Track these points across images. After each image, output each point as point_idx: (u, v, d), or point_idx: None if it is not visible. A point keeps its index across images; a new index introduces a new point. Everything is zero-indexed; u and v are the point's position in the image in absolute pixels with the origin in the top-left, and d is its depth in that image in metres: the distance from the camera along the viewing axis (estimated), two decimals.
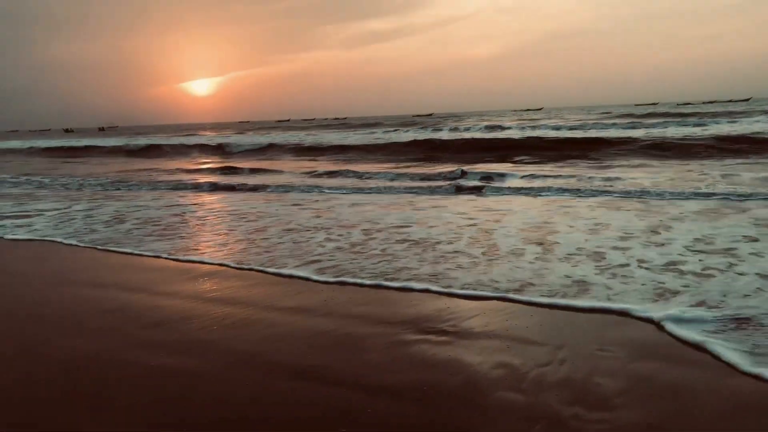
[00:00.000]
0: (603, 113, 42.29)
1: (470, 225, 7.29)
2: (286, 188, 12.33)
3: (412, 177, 13.29)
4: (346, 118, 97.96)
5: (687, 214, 7.27)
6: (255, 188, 12.67)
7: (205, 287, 5.00)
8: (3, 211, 10.10)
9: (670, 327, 3.61)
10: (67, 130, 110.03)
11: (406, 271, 5.19)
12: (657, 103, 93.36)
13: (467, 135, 24.92)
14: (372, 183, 12.52)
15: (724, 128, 20.98)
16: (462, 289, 4.61)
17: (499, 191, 10.30)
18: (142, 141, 36.36)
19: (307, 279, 5.10)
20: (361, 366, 3.29)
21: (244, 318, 4.16)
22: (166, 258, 6.12)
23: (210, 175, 16.22)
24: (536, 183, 11.16)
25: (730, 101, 75.34)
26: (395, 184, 12.15)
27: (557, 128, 26.30)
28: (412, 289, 4.66)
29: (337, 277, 5.10)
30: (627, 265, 5.06)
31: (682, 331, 3.54)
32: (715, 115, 31.15)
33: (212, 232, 7.56)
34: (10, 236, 7.72)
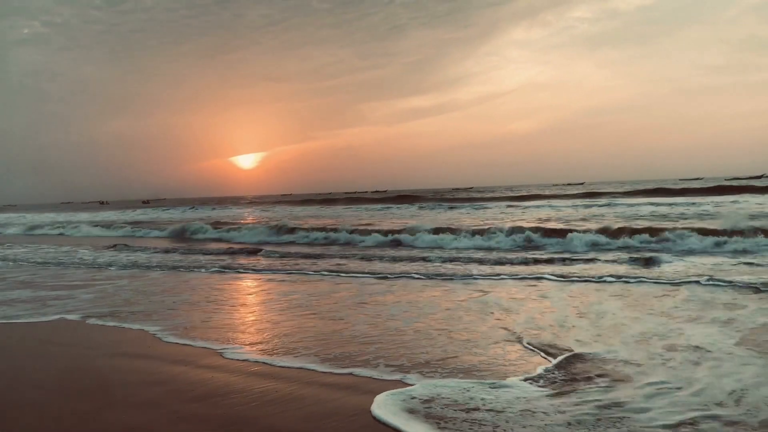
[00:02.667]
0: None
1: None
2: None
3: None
4: (386, 191, 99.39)
5: None
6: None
7: (247, 360, 5.04)
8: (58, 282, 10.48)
9: None
10: (102, 203, 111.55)
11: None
12: (702, 178, 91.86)
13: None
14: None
15: None
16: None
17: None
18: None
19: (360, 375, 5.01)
20: None
21: (287, 394, 4.15)
22: (217, 333, 6.22)
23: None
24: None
25: None
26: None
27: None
28: None
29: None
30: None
31: None
32: None
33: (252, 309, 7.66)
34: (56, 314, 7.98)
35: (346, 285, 9.14)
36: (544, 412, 3.56)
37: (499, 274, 9.45)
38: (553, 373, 4.37)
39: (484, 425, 3.40)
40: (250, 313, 7.16)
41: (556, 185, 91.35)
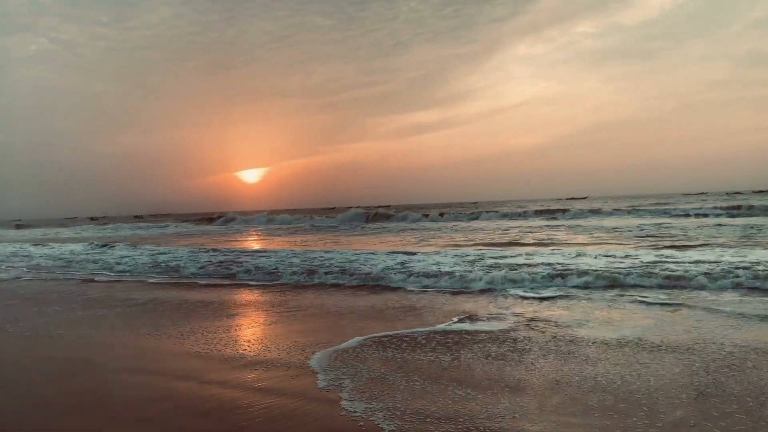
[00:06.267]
0: None
1: None
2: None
3: None
4: (389, 206, 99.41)
5: None
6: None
7: (251, 376, 4.98)
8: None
9: None
10: (92, 218, 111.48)
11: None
12: (706, 193, 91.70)
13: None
14: None
15: None
16: None
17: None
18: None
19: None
20: None
21: (292, 410, 4.10)
22: (215, 345, 6.18)
23: None
24: None
25: None
26: None
27: None
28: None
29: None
30: None
31: None
32: None
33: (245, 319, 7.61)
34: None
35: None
36: None
37: None
38: None
39: None
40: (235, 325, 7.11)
41: (560, 200, 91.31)
